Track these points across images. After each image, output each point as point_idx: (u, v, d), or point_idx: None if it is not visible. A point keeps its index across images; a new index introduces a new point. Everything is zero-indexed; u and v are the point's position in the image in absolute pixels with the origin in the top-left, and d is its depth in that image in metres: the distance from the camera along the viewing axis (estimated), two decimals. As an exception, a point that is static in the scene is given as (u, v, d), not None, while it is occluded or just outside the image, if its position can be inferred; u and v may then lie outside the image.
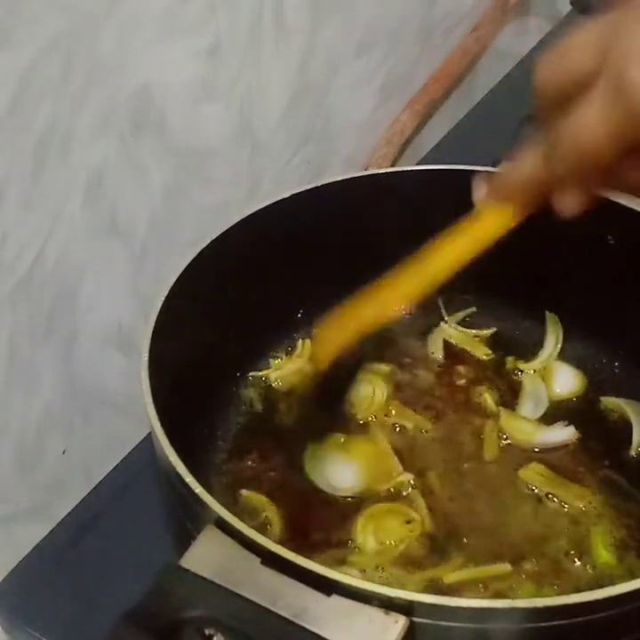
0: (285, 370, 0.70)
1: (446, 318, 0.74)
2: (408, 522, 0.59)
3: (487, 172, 0.52)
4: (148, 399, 0.51)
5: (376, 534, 0.58)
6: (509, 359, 0.71)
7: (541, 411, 0.67)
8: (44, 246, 0.61)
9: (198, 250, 0.61)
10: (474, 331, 0.73)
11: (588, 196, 0.49)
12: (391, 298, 0.56)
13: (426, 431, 0.66)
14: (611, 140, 0.43)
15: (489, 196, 0.52)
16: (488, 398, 0.68)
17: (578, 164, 0.45)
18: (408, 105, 0.98)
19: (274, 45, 0.75)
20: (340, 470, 0.62)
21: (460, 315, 0.74)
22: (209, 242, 0.62)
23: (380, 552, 0.57)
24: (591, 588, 0.42)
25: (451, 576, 0.56)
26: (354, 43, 0.85)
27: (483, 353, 0.72)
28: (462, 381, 0.70)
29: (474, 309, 0.75)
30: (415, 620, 0.42)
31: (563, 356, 0.71)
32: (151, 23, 0.62)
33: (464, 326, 0.74)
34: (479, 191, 0.53)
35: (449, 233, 0.54)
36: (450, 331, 0.73)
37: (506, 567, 0.56)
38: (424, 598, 0.42)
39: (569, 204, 0.49)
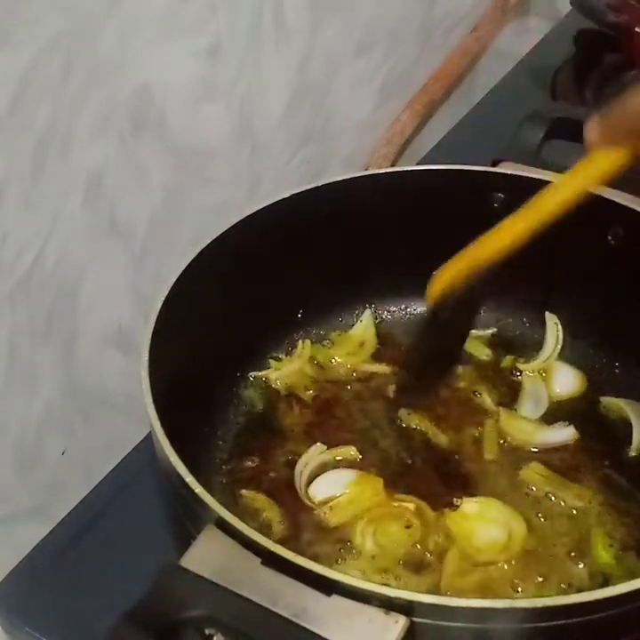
0: (285, 370, 0.70)
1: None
2: (408, 526, 0.59)
3: (598, 113, 0.52)
4: (148, 399, 0.51)
5: (375, 537, 0.58)
6: (509, 358, 0.71)
7: (541, 411, 0.67)
8: (44, 246, 0.61)
9: (198, 250, 0.61)
10: (474, 331, 0.73)
11: None
12: (500, 237, 0.56)
13: (427, 431, 0.66)
14: None
15: (601, 138, 0.52)
16: (488, 398, 0.68)
17: None
18: (408, 105, 0.98)
19: (274, 45, 0.75)
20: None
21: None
22: (209, 242, 0.62)
23: (379, 556, 0.57)
24: (591, 588, 0.42)
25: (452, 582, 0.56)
26: (354, 43, 0.85)
27: (483, 353, 0.72)
28: (462, 382, 0.70)
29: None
30: (415, 620, 0.42)
31: (563, 356, 0.71)
32: (151, 23, 0.62)
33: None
34: (591, 133, 0.52)
35: (561, 176, 0.54)
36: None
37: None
38: (424, 598, 0.42)
39: None
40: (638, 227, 0.63)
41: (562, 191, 0.54)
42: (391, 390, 0.69)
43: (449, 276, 0.58)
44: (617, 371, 0.69)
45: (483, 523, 0.59)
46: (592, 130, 0.52)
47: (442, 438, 0.65)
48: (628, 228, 0.64)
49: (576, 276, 0.68)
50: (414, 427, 0.66)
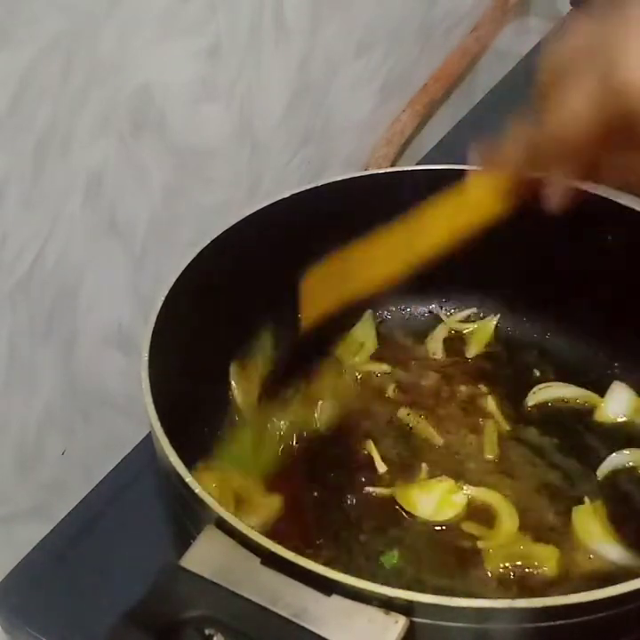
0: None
1: (446, 320, 0.74)
2: None
3: (482, 142, 0.54)
4: (148, 399, 0.51)
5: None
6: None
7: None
8: (44, 246, 0.61)
9: (198, 250, 0.61)
10: (475, 324, 0.74)
11: (572, 185, 0.52)
12: (380, 268, 0.56)
13: (428, 432, 0.66)
14: (590, 126, 0.45)
15: (482, 165, 0.54)
16: (489, 398, 0.68)
17: (559, 143, 0.48)
18: (408, 105, 0.98)
19: (274, 45, 0.75)
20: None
21: (461, 315, 0.74)
22: (209, 242, 0.62)
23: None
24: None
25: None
26: (354, 43, 0.85)
27: (482, 351, 0.72)
28: (463, 382, 0.70)
29: (474, 310, 0.75)
30: (415, 620, 0.42)
31: (564, 355, 0.71)
32: (151, 23, 0.62)
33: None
34: (473, 159, 0.54)
35: (438, 203, 0.55)
36: (452, 326, 0.74)
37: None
38: (424, 598, 0.42)
39: (554, 194, 0.52)
40: (638, 227, 0.63)
41: (436, 227, 0.55)
42: (391, 390, 0.69)
43: (324, 297, 0.57)
44: (617, 371, 0.69)
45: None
46: (474, 156, 0.54)
47: (438, 439, 0.65)
48: (628, 228, 0.64)
49: (576, 276, 0.68)
50: (411, 427, 0.66)
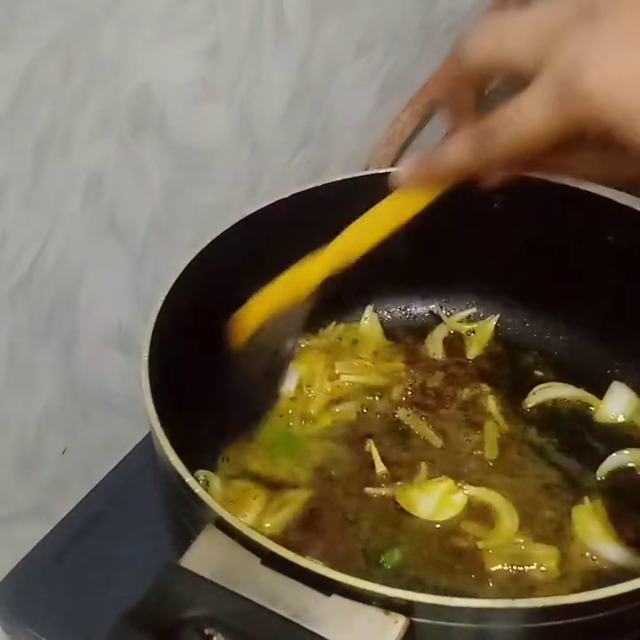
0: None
1: (446, 320, 0.74)
2: None
3: (414, 157, 0.52)
4: (148, 399, 0.51)
5: None
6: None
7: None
8: (44, 246, 0.61)
9: (198, 250, 0.61)
10: (475, 324, 0.74)
11: (511, 173, 0.50)
12: (305, 275, 0.57)
13: (427, 433, 0.66)
14: (550, 135, 0.43)
15: (412, 178, 0.52)
16: (490, 398, 0.68)
17: (511, 153, 0.46)
18: (408, 105, 0.98)
19: (274, 45, 0.75)
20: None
21: (461, 315, 0.74)
22: (209, 242, 0.62)
23: None
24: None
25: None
26: (354, 43, 0.85)
27: (482, 351, 0.72)
28: (463, 382, 0.70)
29: (474, 310, 0.75)
30: (415, 620, 0.42)
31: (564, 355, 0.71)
32: (151, 23, 0.62)
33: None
34: (402, 173, 0.53)
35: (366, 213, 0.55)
36: (452, 326, 0.74)
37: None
38: (424, 598, 0.42)
39: (491, 180, 0.50)
40: (638, 227, 0.63)
41: (366, 229, 0.55)
42: (395, 391, 0.69)
43: (252, 318, 0.57)
44: (617, 371, 0.69)
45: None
46: (403, 170, 0.52)
47: (437, 441, 0.65)
48: (628, 228, 0.64)
49: (575, 277, 0.68)
50: (412, 428, 0.66)
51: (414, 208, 0.53)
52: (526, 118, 0.44)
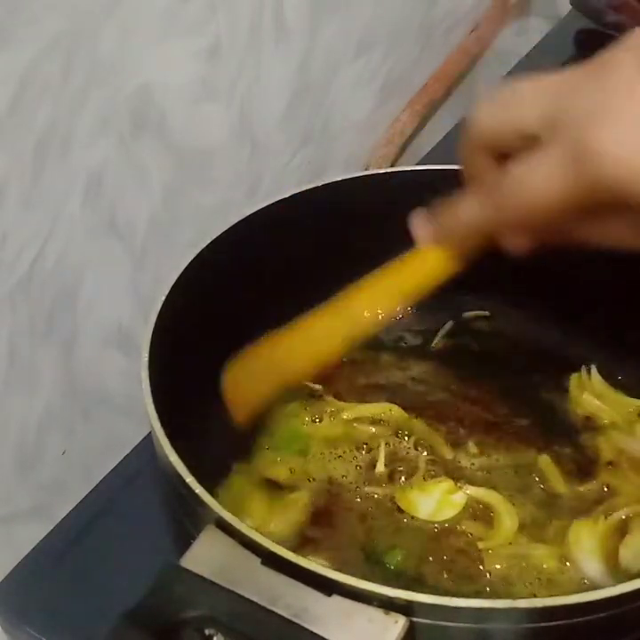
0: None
1: (447, 320, 0.74)
2: None
3: (427, 211, 0.50)
4: (148, 399, 0.51)
5: None
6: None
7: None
8: (44, 246, 0.61)
9: (198, 250, 0.61)
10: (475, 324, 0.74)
11: (537, 241, 0.47)
12: (312, 346, 0.54)
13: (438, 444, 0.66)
14: (562, 201, 0.41)
15: (431, 238, 0.49)
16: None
17: (524, 219, 0.44)
18: (408, 105, 0.98)
19: (274, 45, 0.75)
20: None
21: (463, 315, 0.74)
22: (209, 242, 0.62)
23: None
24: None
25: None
26: (354, 43, 0.85)
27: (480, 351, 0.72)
28: (465, 381, 0.69)
29: (474, 310, 0.75)
30: (415, 620, 0.42)
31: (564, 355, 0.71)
32: (151, 23, 0.62)
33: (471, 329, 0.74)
34: (420, 231, 0.50)
35: (388, 268, 0.52)
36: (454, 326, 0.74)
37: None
38: (424, 598, 0.42)
39: (516, 246, 0.48)
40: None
41: (386, 289, 0.52)
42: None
43: (254, 390, 0.55)
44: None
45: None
46: (420, 227, 0.50)
47: (448, 453, 0.64)
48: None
49: (575, 277, 0.68)
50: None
51: (444, 272, 0.50)
52: (532, 186, 0.42)
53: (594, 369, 0.68)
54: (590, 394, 0.67)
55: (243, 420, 0.57)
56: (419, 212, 0.50)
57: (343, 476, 0.62)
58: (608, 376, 0.68)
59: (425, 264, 0.50)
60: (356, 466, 0.63)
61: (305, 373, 0.55)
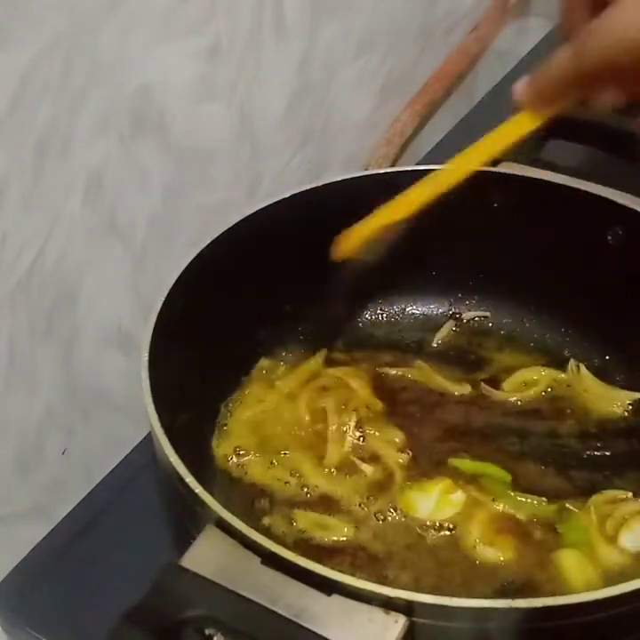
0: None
1: (450, 320, 0.74)
2: None
3: (526, 76, 0.54)
4: (148, 399, 0.51)
5: None
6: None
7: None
8: (44, 246, 0.61)
9: (198, 250, 0.61)
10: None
11: (625, 93, 0.50)
12: (410, 198, 0.58)
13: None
14: None
15: (527, 96, 0.53)
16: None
17: (611, 61, 0.46)
18: (408, 105, 0.98)
19: (274, 45, 0.75)
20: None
21: (465, 315, 0.74)
22: (209, 242, 0.62)
23: None
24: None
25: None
26: (354, 43, 0.85)
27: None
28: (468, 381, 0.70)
29: (474, 311, 0.75)
30: (415, 619, 0.42)
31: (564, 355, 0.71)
32: (151, 23, 0.62)
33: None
34: (517, 92, 0.54)
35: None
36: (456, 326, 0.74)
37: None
38: (424, 598, 0.42)
39: (604, 101, 0.50)
40: (638, 227, 0.63)
41: (476, 153, 0.57)
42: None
43: (359, 234, 0.60)
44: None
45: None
46: (521, 91, 0.54)
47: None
48: (628, 228, 0.64)
49: (575, 277, 0.68)
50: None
51: (531, 125, 0.54)
52: (622, 17, 0.44)
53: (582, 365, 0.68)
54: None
55: (345, 255, 0.61)
56: (519, 81, 0.54)
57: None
58: (608, 375, 0.68)
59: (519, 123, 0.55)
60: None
61: (401, 218, 0.59)
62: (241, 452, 0.63)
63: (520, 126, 0.55)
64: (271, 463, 0.63)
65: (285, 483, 0.61)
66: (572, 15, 0.50)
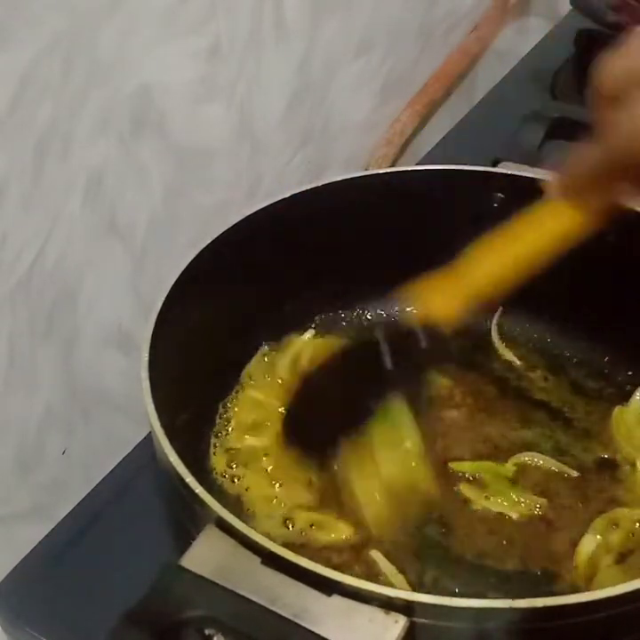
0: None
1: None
2: None
3: (554, 172, 0.53)
4: (148, 399, 0.51)
5: None
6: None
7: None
8: (44, 246, 0.61)
9: (198, 250, 0.61)
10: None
11: None
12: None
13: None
14: None
15: (559, 192, 0.52)
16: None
17: (635, 153, 0.47)
18: (408, 105, 0.98)
19: (274, 45, 0.75)
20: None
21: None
22: (209, 242, 0.62)
23: None
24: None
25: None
26: (354, 43, 0.85)
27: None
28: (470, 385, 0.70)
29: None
30: (415, 620, 0.42)
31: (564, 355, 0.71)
32: (151, 23, 0.62)
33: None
34: (550, 189, 0.53)
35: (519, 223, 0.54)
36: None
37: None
38: (424, 598, 0.42)
39: (633, 193, 0.51)
40: (638, 226, 0.63)
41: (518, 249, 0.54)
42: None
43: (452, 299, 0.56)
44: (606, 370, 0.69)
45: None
46: (550, 187, 0.53)
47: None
48: (628, 228, 0.64)
49: (574, 277, 0.68)
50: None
51: (575, 228, 0.53)
52: None
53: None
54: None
55: (450, 321, 0.56)
56: (548, 177, 0.53)
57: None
58: (608, 376, 0.68)
59: (556, 219, 0.53)
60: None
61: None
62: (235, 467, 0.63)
63: (553, 222, 0.53)
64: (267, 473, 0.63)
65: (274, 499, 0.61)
66: (600, 109, 0.50)
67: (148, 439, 0.53)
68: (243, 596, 0.42)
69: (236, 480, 0.62)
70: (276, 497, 0.61)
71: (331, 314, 0.74)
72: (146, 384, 0.52)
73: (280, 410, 0.66)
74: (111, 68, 0.60)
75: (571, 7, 1.07)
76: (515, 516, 0.59)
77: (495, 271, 0.54)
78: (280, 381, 0.69)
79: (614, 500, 0.60)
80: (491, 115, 1.04)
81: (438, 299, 0.56)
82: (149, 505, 0.62)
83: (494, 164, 0.69)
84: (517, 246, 0.54)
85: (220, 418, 0.66)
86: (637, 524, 0.58)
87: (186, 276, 0.59)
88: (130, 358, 0.71)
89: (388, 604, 0.42)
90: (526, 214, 0.54)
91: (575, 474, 0.61)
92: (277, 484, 0.61)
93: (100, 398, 0.71)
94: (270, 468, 0.63)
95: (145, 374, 0.53)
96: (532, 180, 0.67)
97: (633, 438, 0.63)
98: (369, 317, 0.75)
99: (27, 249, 0.60)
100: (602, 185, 0.51)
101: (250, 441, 0.64)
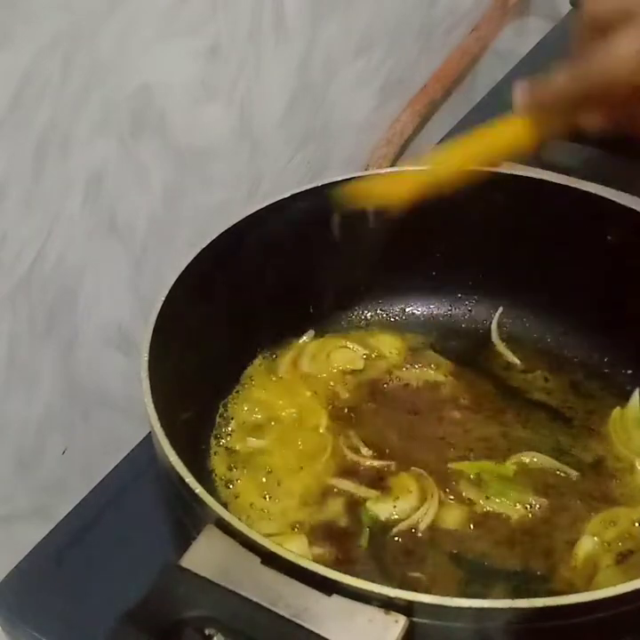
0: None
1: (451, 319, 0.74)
2: None
3: (528, 81, 0.56)
4: (148, 399, 0.51)
5: None
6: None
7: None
8: (44, 246, 0.61)
9: (198, 250, 0.61)
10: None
11: (610, 120, 0.55)
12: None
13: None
14: (635, 72, 0.49)
15: (526, 101, 0.56)
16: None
17: (603, 84, 0.51)
18: (408, 105, 0.98)
19: (274, 45, 0.75)
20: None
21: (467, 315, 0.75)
22: (209, 242, 0.62)
23: None
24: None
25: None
26: (354, 43, 0.85)
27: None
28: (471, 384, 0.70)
29: (474, 310, 0.75)
30: (415, 619, 0.42)
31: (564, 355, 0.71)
32: (151, 23, 0.62)
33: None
34: (519, 97, 0.57)
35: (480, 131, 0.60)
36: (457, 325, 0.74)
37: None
38: (424, 598, 0.42)
39: (592, 121, 0.55)
40: (638, 227, 0.63)
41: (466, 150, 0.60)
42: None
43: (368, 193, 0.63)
44: (606, 370, 0.69)
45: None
46: (519, 94, 0.57)
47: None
48: (628, 228, 0.64)
49: (575, 277, 0.68)
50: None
51: (522, 138, 0.57)
52: (619, 49, 0.49)
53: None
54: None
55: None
56: (522, 80, 0.57)
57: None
58: (608, 375, 0.68)
59: (512, 129, 0.58)
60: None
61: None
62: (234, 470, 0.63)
63: (512, 132, 0.58)
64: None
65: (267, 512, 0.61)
66: (583, 39, 0.53)
67: (148, 439, 0.53)
68: (243, 596, 0.42)
69: (230, 486, 0.62)
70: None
71: (331, 314, 0.74)
72: (146, 384, 0.52)
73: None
74: (111, 67, 0.60)
75: (571, 7, 1.07)
76: (515, 515, 0.59)
77: (451, 165, 0.60)
78: (280, 381, 0.69)
79: (613, 499, 0.60)
80: (491, 115, 1.04)
81: (395, 180, 0.63)
82: (149, 505, 0.62)
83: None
84: (474, 148, 0.60)
85: (220, 418, 0.66)
86: (636, 524, 0.58)
87: (186, 276, 0.59)
88: (130, 358, 0.71)
89: (388, 604, 0.42)
90: (489, 125, 0.59)
91: (575, 474, 0.61)
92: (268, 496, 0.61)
93: (99, 398, 0.71)
94: (268, 470, 0.63)
95: (145, 374, 0.53)
96: (532, 179, 0.67)
97: (631, 439, 0.63)
98: (369, 317, 0.75)
99: (27, 249, 0.60)
100: (568, 108, 0.55)
101: (250, 442, 0.64)
